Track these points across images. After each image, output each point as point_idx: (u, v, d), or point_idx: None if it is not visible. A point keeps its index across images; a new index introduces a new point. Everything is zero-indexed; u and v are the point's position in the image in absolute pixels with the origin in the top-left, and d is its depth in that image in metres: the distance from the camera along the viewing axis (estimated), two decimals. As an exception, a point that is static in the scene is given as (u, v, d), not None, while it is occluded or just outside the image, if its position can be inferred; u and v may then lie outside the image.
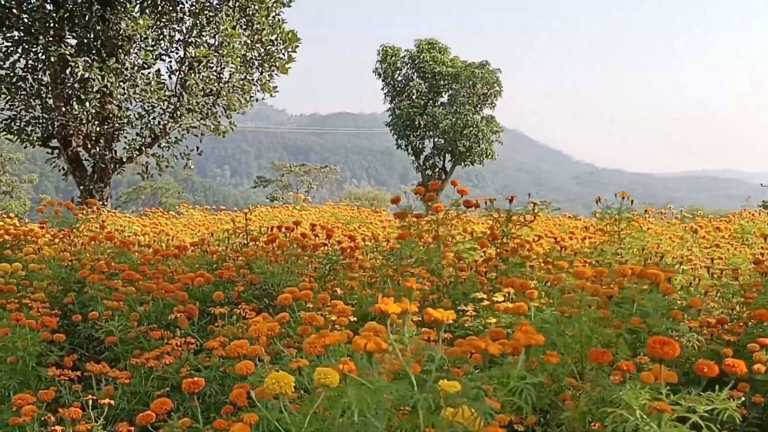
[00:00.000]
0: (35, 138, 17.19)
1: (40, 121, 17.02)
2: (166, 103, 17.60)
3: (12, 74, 16.66)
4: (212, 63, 17.65)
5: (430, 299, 4.69)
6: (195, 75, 17.33)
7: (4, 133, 17.23)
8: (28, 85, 16.71)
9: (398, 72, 41.43)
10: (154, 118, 17.76)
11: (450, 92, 40.59)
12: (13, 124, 17.04)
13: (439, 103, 40.58)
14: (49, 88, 16.52)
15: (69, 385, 4.06)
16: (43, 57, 16.34)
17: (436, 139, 40.47)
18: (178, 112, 17.46)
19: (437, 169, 41.04)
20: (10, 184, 48.83)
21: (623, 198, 5.89)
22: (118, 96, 16.29)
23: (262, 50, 18.42)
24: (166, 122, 17.64)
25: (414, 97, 40.31)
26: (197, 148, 18.58)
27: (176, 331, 4.70)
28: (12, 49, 16.57)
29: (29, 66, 16.85)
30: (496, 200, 5.82)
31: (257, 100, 18.86)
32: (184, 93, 17.38)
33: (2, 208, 35.86)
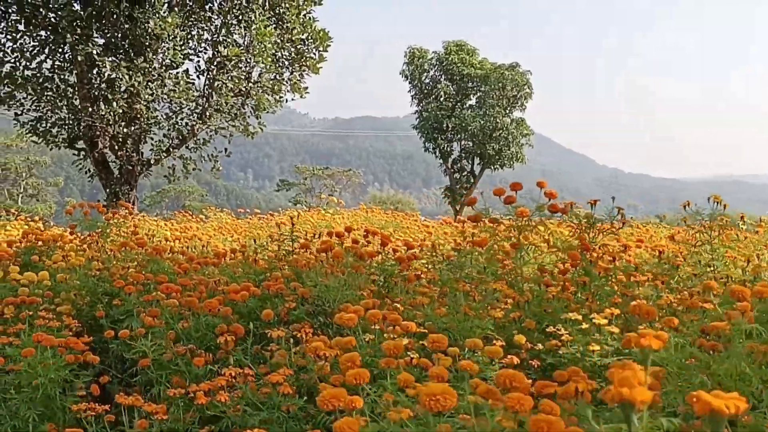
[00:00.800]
0: (61, 140, 16.77)
1: (66, 122, 16.59)
2: (194, 103, 17.12)
3: (38, 75, 16.24)
4: (242, 63, 17.14)
5: (512, 318, 4.10)
6: (224, 75, 16.83)
7: (30, 134, 16.83)
8: (55, 85, 16.27)
9: (425, 74, 40.84)
10: (181, 119, 17.28)
11: (478, 94, 39.93)
12: (38, 125, 16.63)
13: (467, 105, 39.93)
14: (76, 88, 16.08)
15: (97, 420, 3.50)
16: (70, 57, 15.92)
17: (464, 142, 39.82)
18: (207, 113, 16.96)
19: (465, 173, 40.39)
20: (36, 187, 48.71)
21: (717, 202, 5.22)
22: (146, 96, 15.81)
23: (293, 49, 17.90)
24: (194, 123, 17.15)
25: (442, 99, 39.67)
26: (225, 149, 18.11)
27: (220, 353, 4.14)
28: (38, 49, 16.16)
29: (56, 66, 16.42)
30: (575, 204, 5.20)
31: (287, 101, 18.34)
32: (213, 93, 16.87)
33: (28, 211, 35.64)
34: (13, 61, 16.08)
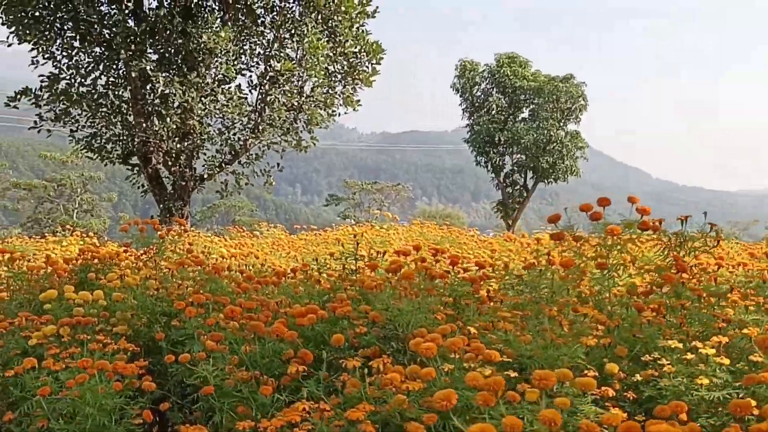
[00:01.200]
0: (115, 156, 16.77)
1: (121, 138, 16.59)
2: (246, 118, 17.02)
3: (93, 91, 16.28)
4: (294, 77, 16.99)
5: (602, 344, 3.76)
6: (277, 89, 16.70)
7: (85, 150, 16.87)
8: (109, 101, 16.29)
9: (477, 87, 40.50)
10: (234, 134, 17.18)
11: (531, 107, 39.49)
12: (93, 141, 16.65)
13: (520, 118, 39.50)
14: (130, 104, 16.08)
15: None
16: (124, 73, 15.93)
17: (516, 156, 39.38)
18: (260, 128, 16.83)
19: (518, 187, 39.92)
20: (91, 203, 49.26)
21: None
22: (199, 111, 15.73)
23: (345, 63, 17.71)
24: (246, 138, 17.04)
25: (494, 112, 39.29)
26: (277, 164, 17.96)
27: (285, 379, 3.88)
28: (93, 65, 16.21)
29: (110, 83, 16.45)
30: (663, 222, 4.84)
31: (339, 115, 18.13)
32: (266, 108, 16.75)
33: (83, 227, 36.00)
34: (68, 77, 16.14)
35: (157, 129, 15.46)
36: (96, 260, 6.91)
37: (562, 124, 38.25)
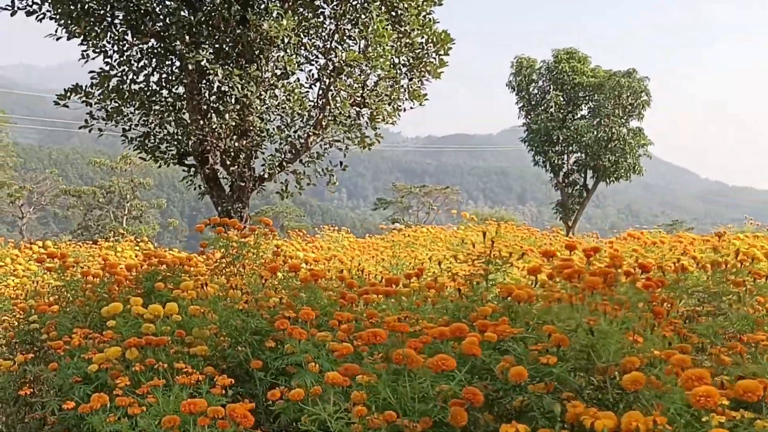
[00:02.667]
0: (170, 156, 15.82)
1: (175, 137, 15.64)
2: (306, 114, 15.98)
3: (146, 88, 15.36)
4: (357, 70, 15.90)
5: None
6: (342, 81, 15.62)
7: (138, 151, 15.94)
8: (163, 98, 15.36)
9: (533, 84, 39.23)
10: (295, 132, 16.14)
11: (590, 104, 38.10)
12: (147, 141, 15.73)
13: (579, 115, 38.13)
14: (185, 101, 15.13)
15: None
16: (179, 67, 14.99)
17: (576, 155, 38.02)
18: (323, 123, 15.77)
19: (577, 187, 38.54)
20: (140, 209, 48.89)
21: None
22: (258, 107, 14.72)
23: (411, 54, 16.58)
24: (307, 135, 15.99)
25: (552, 110, 37.93)
26: (341, 163, 16.88)
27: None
28: (146, 61, 15.30)
29: (163, 79, 15.53)
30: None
31: (404, 110, 17.00)
32: (330, 102, 15.68)
33: (132, 233, 35.41)
34: (120, 74, 15.25)
35: (214, 126, 14.47)
36: (164, 266, 5.90)
37: (624, 120, 36.78)
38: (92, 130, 15.47)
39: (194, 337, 4.69)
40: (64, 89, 15.25)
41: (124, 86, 15.22)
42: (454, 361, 3.01)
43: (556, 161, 38.06)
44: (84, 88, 15.26)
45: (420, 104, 16.97)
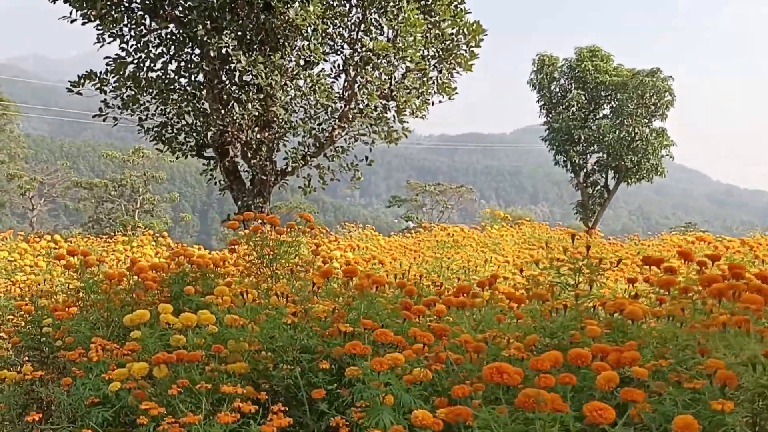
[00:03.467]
0: (188, 148, 15.13)
1: (194, 128, 14.94)
2: (331, 107, 15.26)
3: (164, 76, 14.67)
4: (384, 61, 15.16)
5: None
6: (369, 72, 14.89)
7: (155, 142, 15.24)
8: (181, 87, 14.67)
9: (555, 83, 38.46)
10: (319, 124, 15.43)
11: (612, 104, 37.30)
12: (164, 131, 15.03)
13: (601, 115, 37.33)
14: (205, 89, 14.44)
15: None
16: (199, 54, 14.30)
17: (598, 154, 37.24)
18: (349, 116, 15.05)
19: (599, 187, 37.75)
20: (152, 203, 48.28)
21: None
22: (281, 97, 14.01)
23: (441, 46, 15.85)
24: (332, 128, 15.28)
25: (573, 109, 37.11)
26: (366, 158, 16.15)
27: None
28: (164, 49, 14.61)
29: (182, 66, 14.83)
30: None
31: (433, 104, 16.27)
32: (357, 93, 14.95)
33: (144, 227, 34.90)
34: (137, 61, 14.57)
35: (235, 117, 13.76)
36: (195, 266, 5.20)
37: (646, 121, 35.97)
38: (106, 120, 14.80)
39: (230, 351, 3.99)
40: (78, 75, 14.58)
41: (141, 74, 14.55)
42: (613, 412, 2.29)
43: (577, 161, 37.28)
44: (99, 75, 14.59)
45: (449, 98, 16.25)
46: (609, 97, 37.36)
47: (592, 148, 37.11)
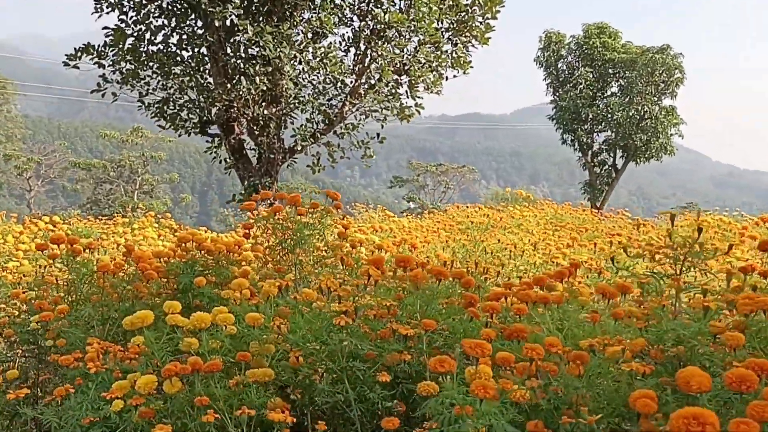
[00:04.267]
0: (191, 125, 14.39)
1: (197, 104, 14.19)
2: (341, 82, 14.51)
3: (165, 49, 13.93)
4: (397, 33, 14.39)
5: None
6: (382, 45, 14.13)
7: (156, 119, 14.49)
8: (184, 60, 13.92)
9: (562, 60, 37.62)
10: (329, 100, 14.69)
11: (620, 81, 36.47)
12: (166, 108, 14.29)
13: (609, 93, 36.52)
14: (210, 63, 13.69)
15: None
16: (202, 26, 13.55)
17: (606, 133, 36.48)
18: (360, 91, 14.31)
19: (606, 167, 37.00)
20: (151, 183, 47.49)
21: None
22: (291, 71, 13.26)
23: (454, 17, 15.06)
24: (342, 104, 14.55)
25: (581, 87, 36.27)
26: (378, 135, 15.42)
27: None
28: (165, 20, 13.86)
29: (184, 39, 14.07)
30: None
31: (447, 79, 15.51)
32: (369, 68, 14.20)
33: (144, 208, 34.27)
34: (136, 33, 13.82)
35: (242, 92, 13.00)
36: (204, 252, 4.50)
37: (656, 99, 35.16)
38: (105, 95, 14.05)
39: (253, 354, 3.31)
40: (75, 48, 13.83)
41: (141, 47, 13.82)
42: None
43: (584, 140, 36.50)
44: (97, 48, 13.85)
45: (464, 72, 15.50)
46: (617, 75, 36.55)
47: (600, 126, 36.34)
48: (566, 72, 37.59)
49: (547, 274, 3.52)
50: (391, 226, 8.10)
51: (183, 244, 4.60)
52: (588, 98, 36.08)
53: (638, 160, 35.88)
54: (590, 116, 35.84)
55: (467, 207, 13.59)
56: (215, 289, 4.21)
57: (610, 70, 36.49)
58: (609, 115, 35.40)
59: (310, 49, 13.68)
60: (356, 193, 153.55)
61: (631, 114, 34.64)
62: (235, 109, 13.36)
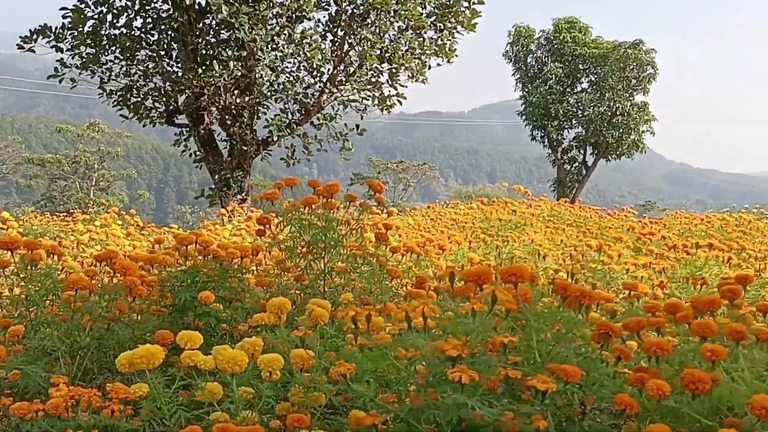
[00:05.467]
0: (157, 114, 13.32)
1: (164, 91, 13.12)
2: (318, 70, 13.54)
3: (128, 33, 12.85)
4: (378, 18, 13.44)
5: None
6: (360, 31, 13.18)
7: (119, 107, 13.38)
8: (151, 43, 12.85)
9: (531, 55, 36.95)
10: (305, 88, 13.70)
11: (590, 77, 35.84)
12: (129, 95, 13.19)
13: (579, 89, 35.87)
14: (176, 48, 12.63)
15: None
16: (169, 8, 12.49)
17: (576, 130, 35.84)
18: (340, 78, 13.34)
19: (576, 164, 36.35)
20: (108, 180, 46.00)
21: None
22: (265, 55, 12.26)
23: (439, 2, 14.16)
24: (320, 92, 13.56)
25: (551, 82, 35.57)
26: (357, 126, 14.47)
27: None
28: (127, 2, 12.78)
29: (148, 24, 13.01)
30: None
31: (430, 67, 14.60)
32: (348, 53, 13.24)
33: (108, 204, 33.11)
34: (97, 15, 12.72)
35: (214, 79, 11.95)
36: (212, 257, 3.50)
37: (628, 94, 34.57)
38: (63, 81, 12.92)
39: (293, 402, 2.35)
40: (30, 30, 12.70)
41: (102, 29, 12.73)
42: None
43: (554, 136, 35.76)
44: (54, 30, 12.73)
45: (449, 61, 14.59)
46: (587, 71, 35.91)
47: (570, 123, 35.69)
48: (535, 67, 36.91)
49: (728, 291, 2.56)
50: (396, 223, 7.16)
51: (183, 247, 3.57)
52: (558, 94, 35.40)
53: (609, 158, 35.31)
54: (560, 112, 35.15)
55: (464, 204, 12.61)
56: (229, 309, 3.26)
57: (581, 66, 35.85)
58: (579, 112, 34.79)
59: (287, 32, 12.69)
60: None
61: (602, 110, 34.04)
62: (206, 97, 12.32)
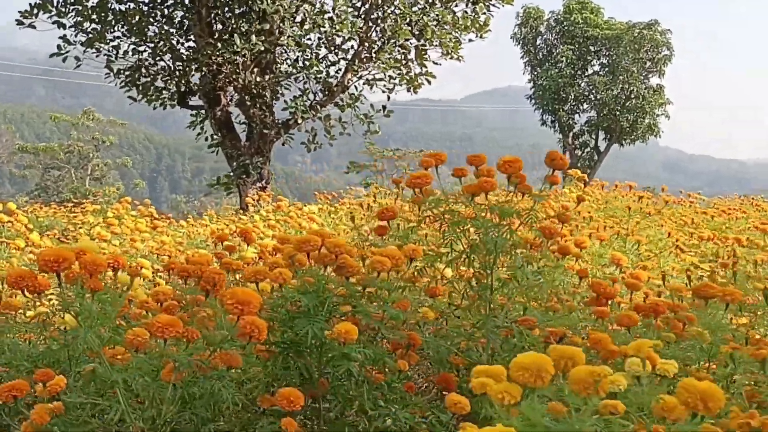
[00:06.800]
0: (169, 95, 12.20)
1: (176, 70, 12.00)
2: (341, 48, 12.46)
3: (137, 7, 11.74)
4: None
5: None
6: (389, 1, 12.09)
7: (126, 88, 12.26)
8: (163, 17, 11.75)
9: (540, 37, 35.82)
10: (328, 66, 12.60)
11: (602, 60, 34.74)
12: (138, 75, 12.06)
13: (591, 71, 34.77)
14: (195, 21, 11.51)
15: None
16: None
17: (588, 114, 34.75)
18: (370, 55, 12.26)
19: (588, 149, 35.28)
20: (103, 169, 44.86)
21: None
22: (288, 29, 11.15)
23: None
24: (345, 71, 12.48)
25: (562, 65, 34.43)
26: (384, 107, 13.40)
27: None
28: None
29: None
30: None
31: (461, 44, 13.50)
32: (376, 28, 12.15)
33: (94, 194, 32.03)
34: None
35: (234, 55, 10.82)
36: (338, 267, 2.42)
37: (643, 77, 33.47)
38: (67, 59, 11.80)
39: None
40: (30, 4, 11.56)
41: (109, 3, 11.62)
42: None
43: (565, 120, 34.64)
44: (56, 4, 11.61)
45: (481, 37, 13.50)
46: (599, 53, 34.82)
47: (582, 107, 34.61)
48: (545, 50, 35.79)
49: None
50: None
51: (303, 254, 2.37)
52: (569, 77, 34.29)
53: (623, 142, 34.24)
54: (572, 96, 34.05)
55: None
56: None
57: (592, 48, 34.76)
58: (592, 95, 33.70)
59: (310, 3, 11.58)
60: (308, 179, 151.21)
61: (616, 93, 32.97)
62: (223, 75, 11.21)
